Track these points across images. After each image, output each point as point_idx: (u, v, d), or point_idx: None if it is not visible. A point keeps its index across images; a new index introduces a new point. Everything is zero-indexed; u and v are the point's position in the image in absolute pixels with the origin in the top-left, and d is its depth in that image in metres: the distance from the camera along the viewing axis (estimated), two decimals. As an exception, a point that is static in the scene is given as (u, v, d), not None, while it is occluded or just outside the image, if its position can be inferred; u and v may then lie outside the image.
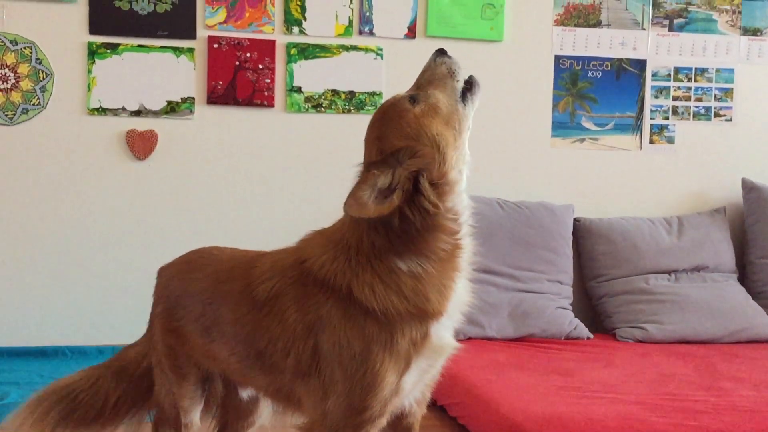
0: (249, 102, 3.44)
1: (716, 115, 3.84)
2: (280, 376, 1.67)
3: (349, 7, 3.49)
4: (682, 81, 3.80)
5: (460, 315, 1.65)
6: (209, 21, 3.40)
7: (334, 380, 1.56)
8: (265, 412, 2.10)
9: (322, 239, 1.65)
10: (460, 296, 1.61)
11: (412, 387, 1.62)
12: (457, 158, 1.57)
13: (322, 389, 1.58)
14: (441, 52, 1.67)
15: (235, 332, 1.74)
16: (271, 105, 3.46)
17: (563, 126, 3.72)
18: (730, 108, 3.84)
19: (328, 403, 1.57)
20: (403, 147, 1.53)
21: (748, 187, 3.71)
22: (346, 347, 1.55)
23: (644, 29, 3.76)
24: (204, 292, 1.84)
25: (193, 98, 3.41)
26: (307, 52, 3.47)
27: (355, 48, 3.50)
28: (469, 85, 1.65)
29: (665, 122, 3.80)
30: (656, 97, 3.79)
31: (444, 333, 1.60)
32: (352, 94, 3.51)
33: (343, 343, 1.55)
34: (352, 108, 3.51)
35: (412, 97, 1.59)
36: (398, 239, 1.53)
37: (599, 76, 3.73)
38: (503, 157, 3.65)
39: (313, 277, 1.60)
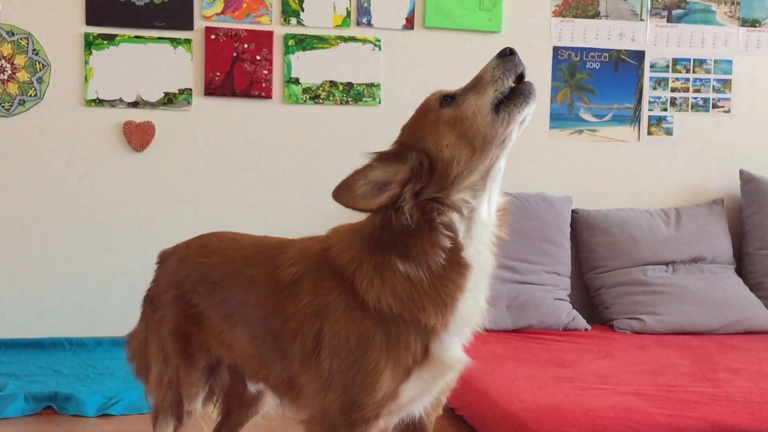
0: (247, 93, 3.43)
1: (714, 106, 3.83)
2: (289, 363, 1.66)
3: (347, -3, 3.48)
4: (680, 72, 3.80)
5: (469, 333, 1.59)
6: (206, 12, 3.39)
7: (331, 373, 1.55)
8: (270, 401, 2.09)
9: (349, 228, 1.63)
10: (467, 315, 1.54)
11: (414, 397, 1.58)
12: (468, 176, 1.46)
13: (320, 381, 1.57)
14: (501, 54, 1.50)
15: (256, 315, 1.72)
16: (268, 96, 3.45)
17: (561, 117, 3.72)
18: (729, 99, 3.84)
19: (326, 397, 1.55)
20: (413, 147, 1.48)
21: (746, 179, 3.71)
22: (344, 340, 1.53)
23: (643, 20, 3.75)
24: (227, 277, 1.80)
25: (191, 89, 3.40)
26: (304, 43, 3.46)
27: (353, 39, 3.49)
28: (513, 93, 1.46)
29: (663, 113, 3.80)
30: (654, 88, 3.78)
31: (449, 349, 1.54)
32: (350, 85, 3.50)
33: (341, 335, 1.53)
34: (350, 99, 3.50)
35: (448, 98, 1.49)
36: (399, 238, 1.48)
37: (597, 67, 3.73)
38: (501, 148, 3.65)
39: (329, 263, 1.58)
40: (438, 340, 1.52)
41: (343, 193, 1.45)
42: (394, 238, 1.48)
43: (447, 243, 1.46)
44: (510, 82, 1.47)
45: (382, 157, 1.49)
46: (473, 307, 1.54)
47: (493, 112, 1.45)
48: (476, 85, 1.49)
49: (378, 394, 1.51)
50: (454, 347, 1.56)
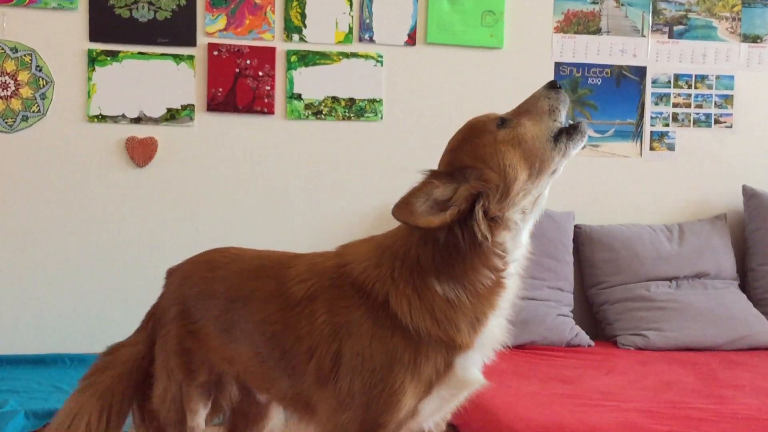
0: (249, 109, 3.44)
1: (716, 122, 3.84)
2: (300, 380, 1.64)
3: (349, 14, 3.49)
4: (682, 88, 3.80)
5: (491, 352, 1.61)
6: (209, 28, 3.41)
7: (351, 392, 1.53)
8: (277, 418, 2.08)
9: (369, 245, 1.62)
10: (492, 333, 1.56)
11: (431, 413, 1.58)
12: (523, 198, 1.50)
13: (337, 400, 1.55)
14: (552, 86, 1.58)
15: (262, 331, 1.70)
16: (271, 112, 3.46)
17: (563, 133, 3.72)
18: (731, 115, 3.84)
19: (343, 416, 1.54)
20: (471, 166, 1.49)
21: (749, 194, 3.71)
22: (368, 359, 1.51)
23: (644, 36, 3.76)
24: (229, 290, 1.80)
25: (193, 105, 3.40)
26: (307, 59, 3.47)
27: (355, 55, 3.50)
28: (572, 129, 1.54)
29: (665, 129, 3.80)
30: (656, 104, 3.78)
31: (471, 367, 1.56)
32: (352, 101, 3.51)
33: (366, 354, 1.52)
34: (352, 115, 3.51)
35: (503, 120, 1.53)
36: (441, 259, 1.48)
37: (599, 83, 3.73)
38: (503, 164, 3.65)
39: (351, 281, 1.57)
40: (462, 356, 1.53)
41: (404, 210, 1.44)
42: (434, 258, 1.49)
43: (500, 264, 1.50)
44: (565, 117, 1.55)
45: (439, 176, 1.49)
46: (498, 326, 1.58)
47: (552, 141, 1.52)
48: (530, 111, 1.55)
49: (401, 412, 1.50)
50: (476, 365, 1.57)
